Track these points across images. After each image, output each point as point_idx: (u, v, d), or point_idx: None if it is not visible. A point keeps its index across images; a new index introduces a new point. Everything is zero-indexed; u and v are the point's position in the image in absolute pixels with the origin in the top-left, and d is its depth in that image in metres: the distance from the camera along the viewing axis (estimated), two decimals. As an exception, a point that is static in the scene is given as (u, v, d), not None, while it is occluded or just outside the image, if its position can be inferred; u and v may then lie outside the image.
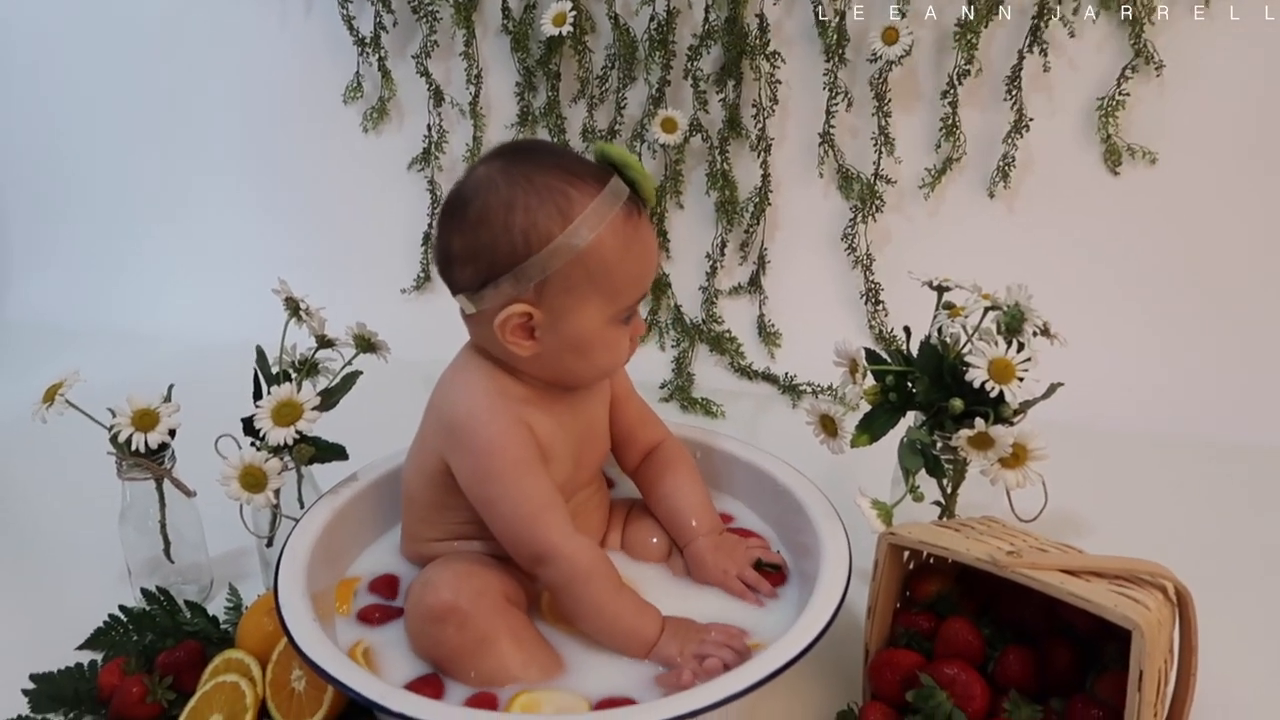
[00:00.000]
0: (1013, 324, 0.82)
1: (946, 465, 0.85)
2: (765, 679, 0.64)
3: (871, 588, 0.76)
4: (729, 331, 1.44)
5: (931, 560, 0.82)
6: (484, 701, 0.69)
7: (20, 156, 1.65)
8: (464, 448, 0.76)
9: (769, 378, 1.40)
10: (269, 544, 0.90)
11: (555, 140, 1.45)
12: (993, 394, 0.79)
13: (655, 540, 0.87)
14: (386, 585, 0.82)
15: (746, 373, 1.41)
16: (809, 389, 1.35)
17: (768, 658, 0.66)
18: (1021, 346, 0.81)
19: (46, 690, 0.80)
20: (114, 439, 0.84)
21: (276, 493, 0.84)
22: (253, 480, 0.81)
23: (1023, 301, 0.82)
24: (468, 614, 0.72)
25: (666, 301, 1.47)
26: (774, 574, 0.82)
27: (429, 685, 0.71)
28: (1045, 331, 0.85)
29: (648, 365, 1.42)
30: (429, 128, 1.50)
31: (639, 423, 0.89)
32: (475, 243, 0.73)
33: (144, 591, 0.88)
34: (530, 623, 0.75)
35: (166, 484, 0.88)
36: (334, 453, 0.86)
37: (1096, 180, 1.33)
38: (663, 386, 1.39)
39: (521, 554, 0.75)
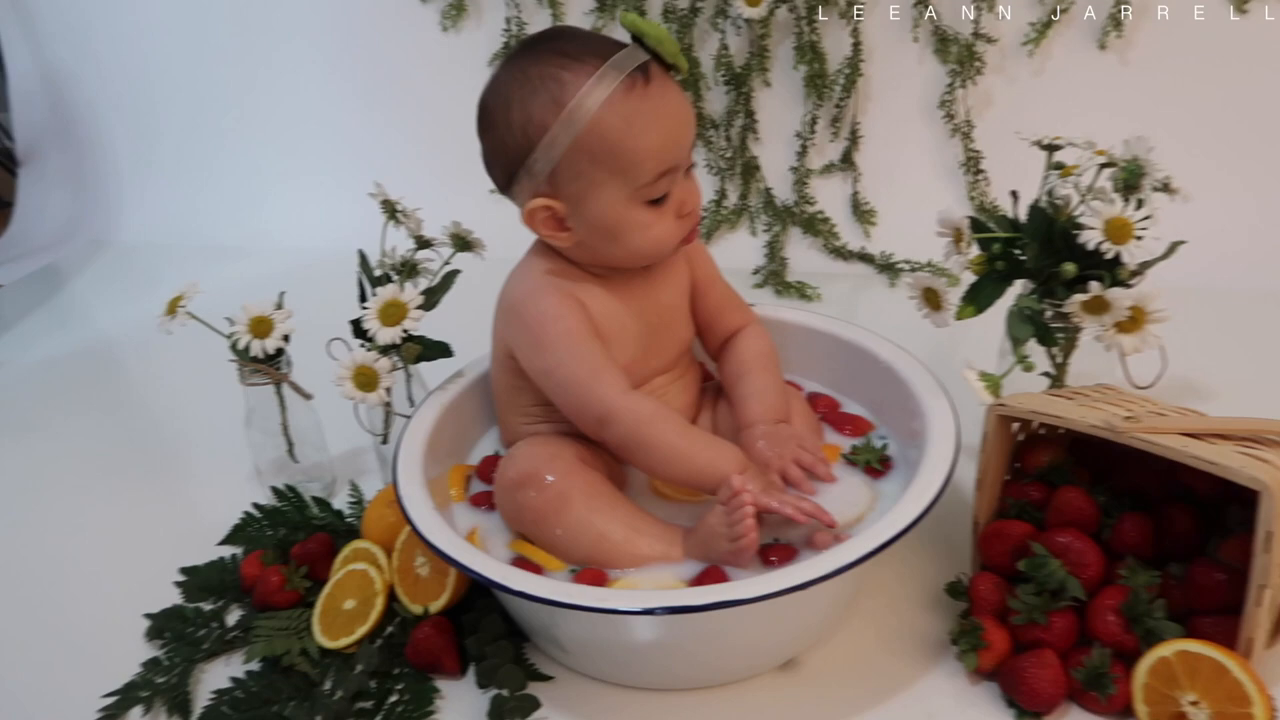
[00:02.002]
0: (1131, 180, 0.77)
1: (1058, 333, 0.82)
2: (872, 553, 0.64)
3: (981, 459, 0.75)
4: (822, 212, 1.40)
5: (1043, 430, 0.80)
6: (591, 578, 0.71)
7: (116, 80, 1.69)
8: (519, 325, 0.78)
9: (864, 257, 1.37)
10: (384, 441, 0.94)
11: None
12: (1108, 256, 0.75)
13: None
14: (493, 469, 0.84)
15: (841, 253, 1.38)
16: (906, 266, 1.31)
17: (876, 531, 0.66)
18: (1140, 204, 0.76)
19: (196, 582, 0.86)
20: (234, 346, 0.87)
21: (388, 391, 0.87)
22: (365, 380, 0.84)
23: (1141, 155, 0.77)
24: (542, 476, 0.75)
25: (756, 185, 1.44)
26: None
27: (529, 565, 0.74)
28: (1166, 187, 0.80)
29: (739, 251, 1.41)
30: (508, 21, 1.47)
31: (721, 309, 0.88)
32: (491, 145, 0.75)
33: (274, 489, 0.93)
34: (604, 479, 0.77)
35: (285, 388, 0.92)
36: (439, 350, 0.88)
37: (1220, 21, 1.23)
38: (755, 272, 1.37)
39: (585, 420, 0.76)
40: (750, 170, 1.43)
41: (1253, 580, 0.63)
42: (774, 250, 1.39)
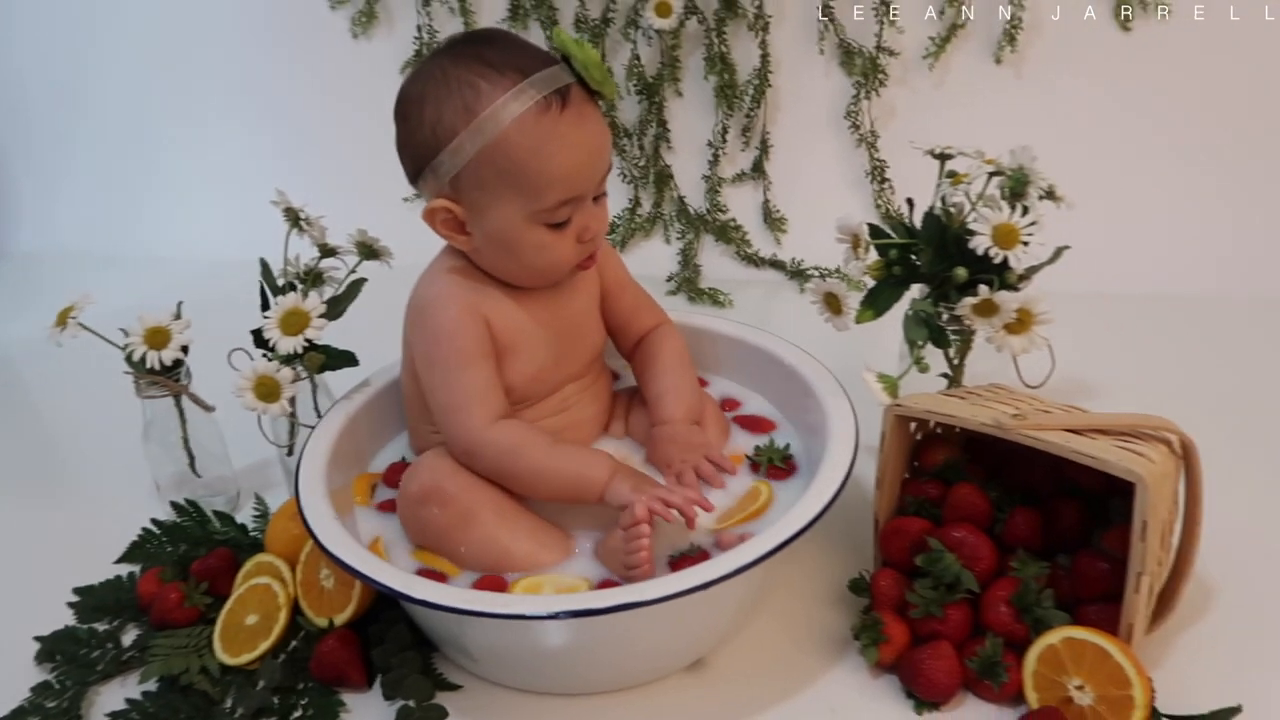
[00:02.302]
0: (1016, 188, 0.81)
1: (952, 335, 0.85)
2: (772, 551, 0.65)
3: (879, 459, 0.77)
4: (734, 220, 1.43)
5: (939, 430, 0.83)
6: (491, 584, 0.71)
7: (9, 87, 1.63)
8: (419, 331, 0.78)
9: (776, 264, 1.39)
10: (289, 452, 0.92)
11: (547, 33, 1.41)
12: (997, 260, 0.78)
13: None
14: (400, 476, 0.83)
15: (753, 260, 1.40)
16: (816, 273, 1.34)
17: (775, 531, 0.67)
18: (1026, 210, 0.80)
19: (90, 601, 0.84)
20: (129, 358, 0.85)
21: (292, 401, 0.86)
22: (266, 390, 0.83)
23: (1026, 164, 0.81)
24: (447, 492, 0.74)
25: (669, 193, 1.45)
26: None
27: (434, 574, 0.73)
28: (1051, 194, 0.84)
29: (653, 259, 1.42)
30: (419, 29, 1.46)
31: (634, 311, 0.89)
32: (402, 135, 0.74)
33: (174, 504, 0.91)
34: (511, 495, 0.76)
35: (185, 400, 0.89)
36: (344, 359, 0.87)
37: (1108, 38, 1.29)
38: (669, 279, 1.38)
39: (454, 448, 0.76)
40: (663, 179, 1.45)
41: (1131, 568, 0.66)
42: (687, 258, 1.41)
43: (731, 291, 1.33)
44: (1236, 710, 0.65)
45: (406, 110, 0.73)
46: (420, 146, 0.72)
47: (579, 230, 0.75)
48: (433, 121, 0.71)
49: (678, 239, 1.44)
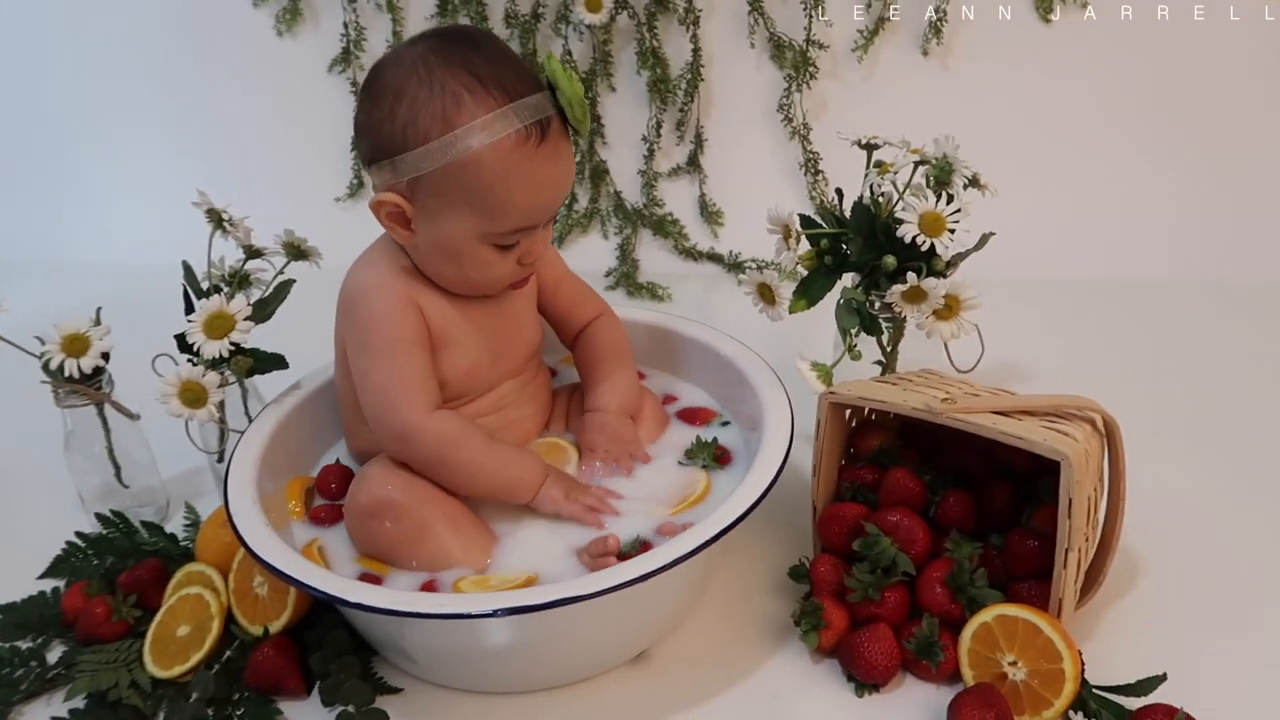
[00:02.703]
0: (941, 176, 0.82)
1: (884, 323, 0.86)
2: (710, 540, 0.65)
3: (815, 446, 0.78)
4: (671, 214, 1.43)
5: (873, 416, 0.84)
6: (435, 588, 0.70)
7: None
8: (351, 319, 0.76)
9: (714, 257, 1.40)
10: (220, 459, 0.90)
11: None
12: (924, 248, 0.79)
13: None
14: (337, 479, 0.82)
15: (691, 254, 1.41)
16: (754, 265, 1.35)
17: (715, 519, 0.67)
18: (951, 198, 0.81)
19: (12, 619, 0.80)
20: (45, 366, 0.82)
21: (221, 406, 0.84)
22: (192, 396, 0.81)
23: (950, 153, 0.82)
24: (400, 506, 0.73)
25: (606, 188, 1.45)
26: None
27: (369, 576, 0.72)
28: (975, 182, 0.85)
29: (591, 254, 1.42)
30: (345, 25, 1.44)
31: (573, 304, 0.89)
32: (368, 118, 0.72)
33: (99, 516, 0.88)
34: (465, 507, 0.76)
35: (108, 409, 0.87)
36: (273, 363, 0.85)
37: (1029, 30, 1.32)
38: (608, 274, 1.38)
39: (385, 434, 0.75)
40: (600, 174, 1.45)
41: (1059, 545, 0.68)
42: (625, 252, 1.41)
43: (670, 285, 1.34)
44: (1161, 678, 0.67)
45: (379, 97, 0.70)
46: (386, 139, 0.70)
47: (523, 253, 0.75)
48: (406, 120, 0.69)
49: (615, 234, 1.44)
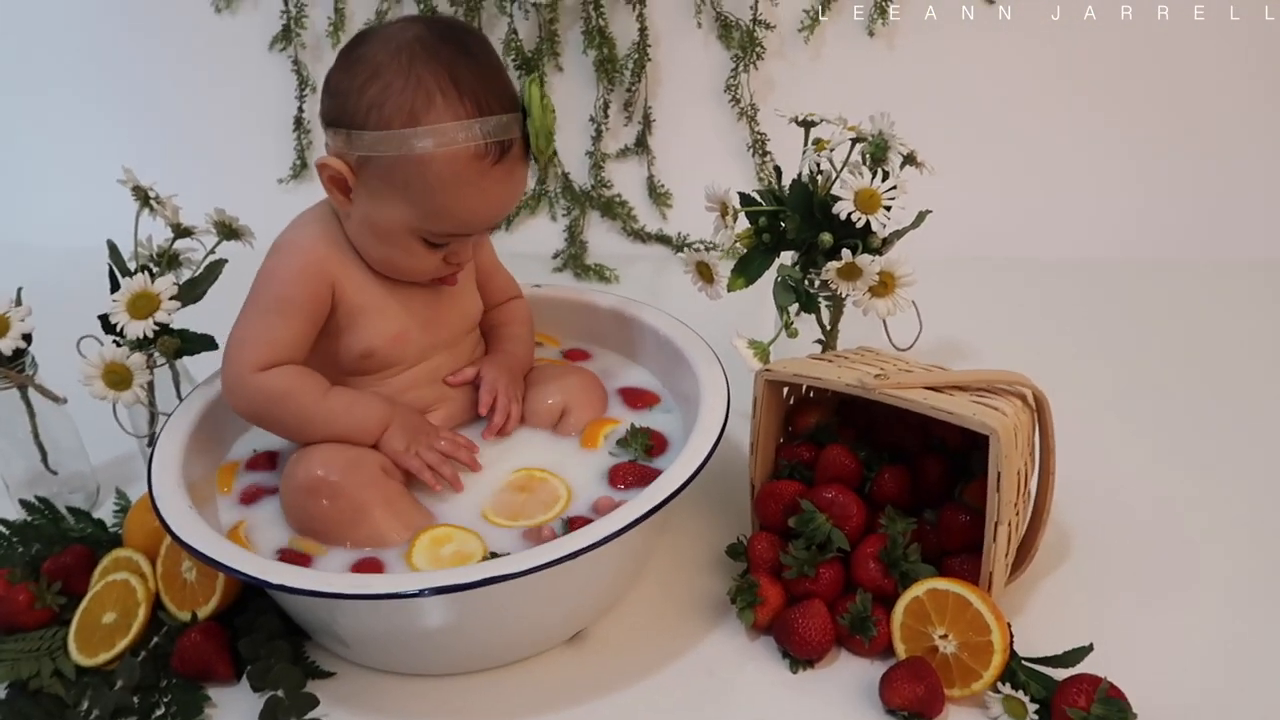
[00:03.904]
0: (877, 154, 0.82)
1: (822, 301, 0.86)
2: (641, 518, 0.65)
3: (753, 424, 0.78)
4: (619, 196, 1.42)
5: (811, 394, 0.84)
6: (369, 568, 0.69)
7: None
8: (261, 266, 0.76)
9: (662, 239, 1.39)
10: (150, 443, 0.88)
11: (421, 5, 1.38)
12: (860, 225, 0.79)
13: (550, 402, 0.85)
14: (266, 462, 0.81)
15: (640, 236, 1.40)
16: (702, 246, 1.34)
17: (649, 494, 0.67)
18: (886, 175, 0.81)
19: (-69, 609, 0.78)
20: (-38, 349, 0.80)
21: (150, 388, 0.82)
22: (117, 378, 0.79)
23: (886, 130, 0.82)
24: (338, 486, 0.72)
25: (553, 169, 1.44)
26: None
27: (298, 558, 0.71)
28: (912, 160, 0.85)
29: (539, 236, 1.40)
30: (285, 2, 1.41)
31: (501, 289, 0.90)
32: (339, 83, 0.72)
33: (22, 502, 0.86)
34: (405, 490, 0.75)
35: (33, 392, 0.85)
36: (202, 344, 0.84)
37: (975, 10, 1.32)
38: (555, 256, 1.37)
39: (223, 385, 0.76)
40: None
41: (989, 518, 0.68)
42: (573, 234, 1.40)
43: (618, 267, 1.33)
44: (1088, 650, 0.68)
45: (354, 67, 0.70)
46: (350, 110, 0.70)
47: (450, 253, 0.76)
48: (374, 101, 0.69)
49: (563, 215, 1.43)
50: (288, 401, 0.74)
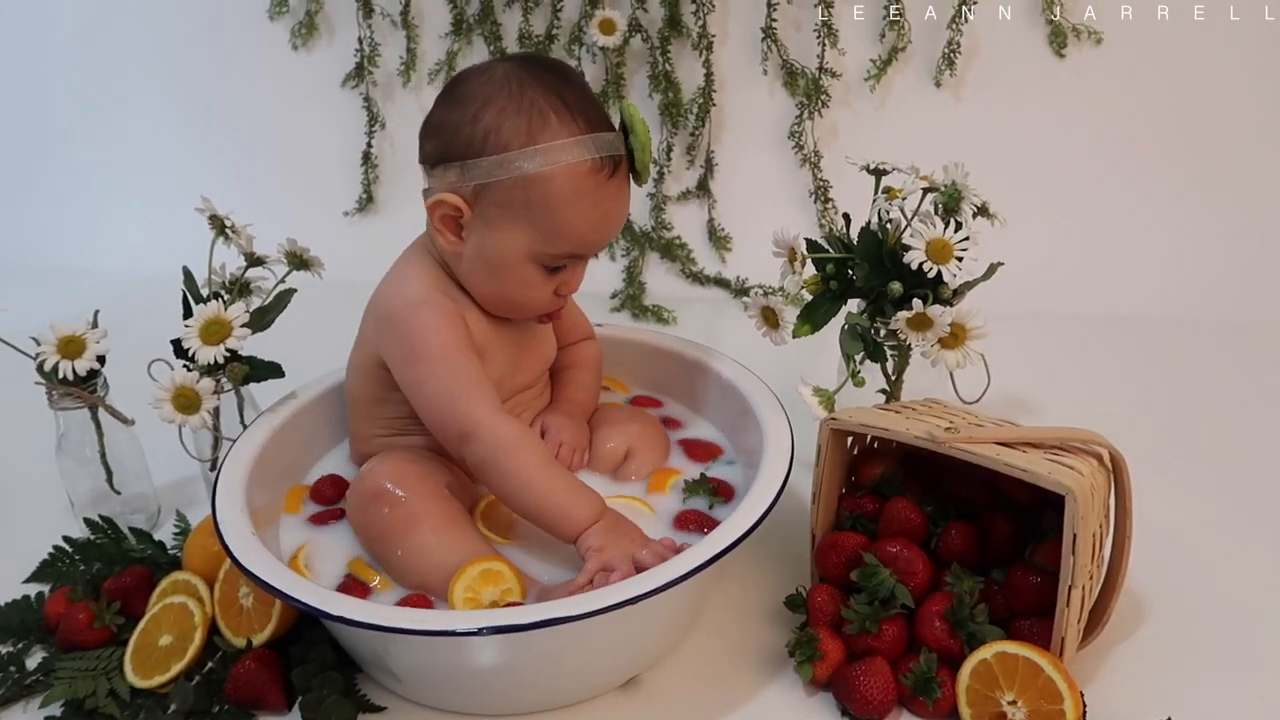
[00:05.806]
0: (950, 204, 0.81)
1: (888, 350, 0.85)
2: (704, 564, 0.64)
3: (815, 473, 0.77)
4: (679, 238, 1.42)
5: (875, 444, 0.82)
6: (418, 604, 0.69)
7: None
8: (395, 334, 0.76)
9: (720, 282, 1.39)
10: (212, 467, 0.89)
11: (491, 47, 1.41)
12: (931, 275, 0.78)
13: (611, 445, 0.85)
14: (332, 487, 0.82)
15: (698, 278, 1.40)
16: (761, 291, 1.34)
17: (710, 543, 0.66)
18: (959, 226, 0.80)
19: (-7, 623, 0.79)
20: (40, 367, 0.82)
21: (215, 413, 0.83)
22: (186, 402, 0.80)
23: (959, 180, 0.81)
24: (397, 495, 0.73)
25: (615, 210, 1.45)
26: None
27: (357, 588, 0.71)
28: (984, 211, 0.84)
29: (598, 276, 1.40)
30: (360, 41, 1.44)
31: (570, 330, 0.91)
32: (445, 119, 0.73)
33: (87, 521, 0.87)
34: (466, 514, 0.75)
35: (102, 413, 0.86)
36: (270, 371, 0.85)
37: (1042, 63, 1.31)
38: (614, 296, 1.37)
39: (448, 434, 0.75)
40: (608, 196, 1.44)
41: (1062, 581, 0.66)
42: (632, 275, 1.40)
43: (676, 309, 1.33)
44: (1165, 724, 0.65)
45: (463, 102, 0.72)
46: (463, 141, 0.72)
47: (561, 283, 0.77)
48: (490, 127, 0.71)
49: (622, 256, 1.43)
50: (519, 455, 0.72)
